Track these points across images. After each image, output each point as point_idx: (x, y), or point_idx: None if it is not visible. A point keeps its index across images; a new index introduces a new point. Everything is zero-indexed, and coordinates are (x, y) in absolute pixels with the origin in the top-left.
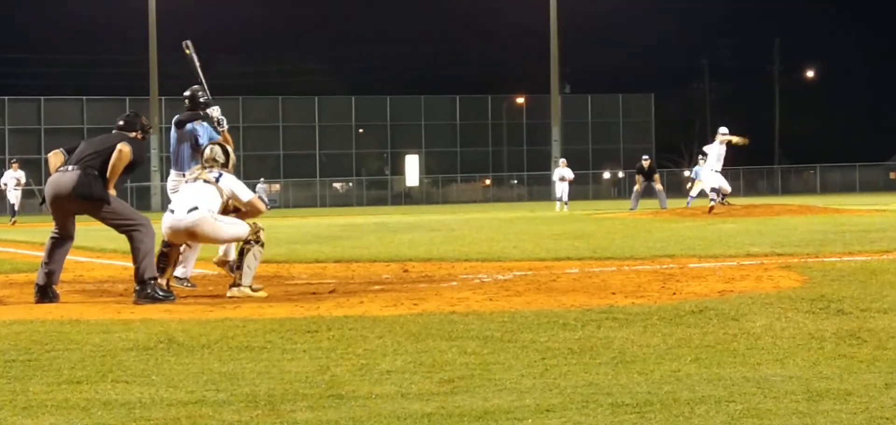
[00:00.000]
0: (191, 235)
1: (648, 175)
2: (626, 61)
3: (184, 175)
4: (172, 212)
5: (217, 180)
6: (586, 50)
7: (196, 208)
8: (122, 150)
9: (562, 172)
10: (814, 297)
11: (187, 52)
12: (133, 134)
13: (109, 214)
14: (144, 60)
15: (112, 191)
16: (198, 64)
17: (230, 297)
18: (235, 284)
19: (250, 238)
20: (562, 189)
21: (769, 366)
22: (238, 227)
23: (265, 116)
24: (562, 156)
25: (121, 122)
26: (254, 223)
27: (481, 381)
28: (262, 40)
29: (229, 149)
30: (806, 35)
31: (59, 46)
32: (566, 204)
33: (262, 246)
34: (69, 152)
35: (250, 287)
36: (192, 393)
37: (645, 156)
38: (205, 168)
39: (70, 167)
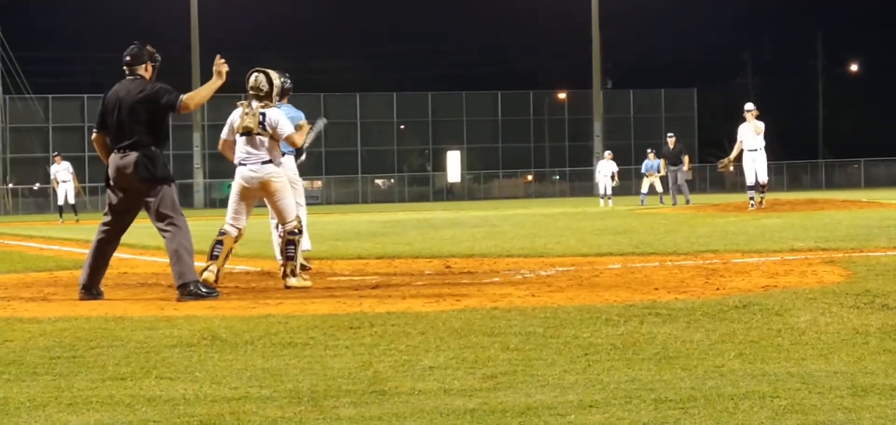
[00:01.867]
0: (263, 187)
1: (674, 159)
2: (669, 56)
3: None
4: (244, 164)
5: (263, 123)
6: (628, 45)
7: (270, 162)
8: (187, 105)
9: (606, 166)
10: (858, 292)
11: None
12: (142, 67)
13: (163, 198)
14: (187, 58)
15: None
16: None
17: (288, 287)
18: (292, 274)
19: (295, 228)
20: (605, 184)
21: (813, 362)
22: (293, 206)
23: (307, 113)
24: (606, 150)
25: (128, 57)
26: (297, 215)
27: (524, 377)
28: (304, 38)
29: (273, 76)
30: (849, 29)
31: (102, 45)
32: (610, 199)
33: (301, 234)
34: (103, 127)
35: (300, 278)
36: (236, 389)
37: (670, 134)
38: (251, 101)
39: (126, 150)
